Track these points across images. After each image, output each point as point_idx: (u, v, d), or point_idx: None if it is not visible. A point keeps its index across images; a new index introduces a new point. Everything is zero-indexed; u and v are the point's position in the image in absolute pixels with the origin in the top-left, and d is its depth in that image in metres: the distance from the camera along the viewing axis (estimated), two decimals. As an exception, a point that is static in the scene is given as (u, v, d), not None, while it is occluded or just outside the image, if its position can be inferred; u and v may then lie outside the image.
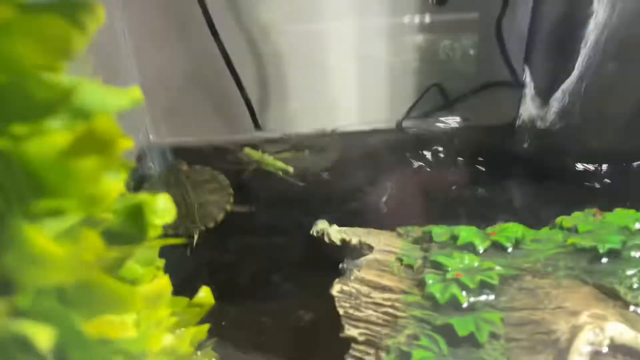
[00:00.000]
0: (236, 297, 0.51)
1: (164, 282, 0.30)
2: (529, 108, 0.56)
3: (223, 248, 0.57)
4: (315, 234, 0.52)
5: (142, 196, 0.26)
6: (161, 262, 0.32)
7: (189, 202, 0.61)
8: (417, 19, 0.81)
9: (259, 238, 0.59)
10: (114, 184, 0.24)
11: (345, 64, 0.85)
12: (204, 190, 0.64)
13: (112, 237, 0.27)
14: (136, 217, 0.26)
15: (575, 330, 0.32)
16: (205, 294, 0.33)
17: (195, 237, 0.56)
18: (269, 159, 0.75)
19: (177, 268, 0.33)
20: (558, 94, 0.51)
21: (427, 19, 0.81)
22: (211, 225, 0.59)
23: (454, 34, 0.82)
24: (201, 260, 0.55)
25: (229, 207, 0.61)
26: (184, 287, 0.32)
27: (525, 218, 0.45)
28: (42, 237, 0.16)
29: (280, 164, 0.75)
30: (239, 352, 0.44)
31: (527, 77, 0.56)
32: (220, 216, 0.60)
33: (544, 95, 0.53)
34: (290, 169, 0.73)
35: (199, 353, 0.34)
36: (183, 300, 0.33)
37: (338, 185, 0.69)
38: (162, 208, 0.26)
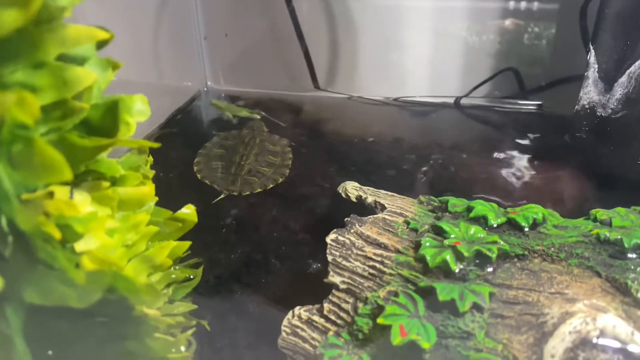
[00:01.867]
0: (249, 242, 0.51)
1: (147, 190, 0.31)
2: (590, 92, 0.51)
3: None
4: (340, 191, 0.51)
5: (121, 95, 0.27)
6: (151, 173, 0.33)
7: (241, 165, 0.62)
8: (500, 4, 0.78)
9: (289, 195, 0.59)
10: (87, 72, 0.25)
11: (420, 38, 0.83)
12: (264, 159, 0.64)
13: (90, 130, 0.27)
14: (111, 112, 0.26)
15: (565, 317, 0.29)
16: (189, 211, 0.33)
17: (221, 197, 0.57)
18: (232, 107, 0.79)
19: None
20: (623, 79, 0.46)
21: (511, 4, 0.78)
22: (246, 193, 0.58)
23: (536, 20, 0.78)
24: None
25: (270, 185, 0.60)
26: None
27: (566, 213, 0.41)
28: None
29: (244, 112, 0.79)
30: (242, 287, 0.45)
31: (592, 58, 0.51)
32: (258, 190, 0.59)
33: (608, 79, 0.48)
34: (257, 116, 0.76)
35: (177, 268, 0.35)
36: (166, 212, 0.33)
37: (381, 151, 0.68)
38: (137, 109, 0.26)
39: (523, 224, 0.38)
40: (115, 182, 0.30)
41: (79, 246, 0.24)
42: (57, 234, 0.20)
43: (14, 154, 0.20)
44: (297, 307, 0.36)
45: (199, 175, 0.61)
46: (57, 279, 0.22)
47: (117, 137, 0.26)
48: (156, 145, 0.27)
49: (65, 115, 0.25)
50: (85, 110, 0.25)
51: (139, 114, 0.26)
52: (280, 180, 0.61)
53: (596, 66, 0.51)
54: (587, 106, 0.53)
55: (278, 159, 0.65)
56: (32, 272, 0.22)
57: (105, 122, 0.26)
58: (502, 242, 0.35)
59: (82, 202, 0.25)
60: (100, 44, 0.26)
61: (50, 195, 0.22)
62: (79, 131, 0.26)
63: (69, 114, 0.25)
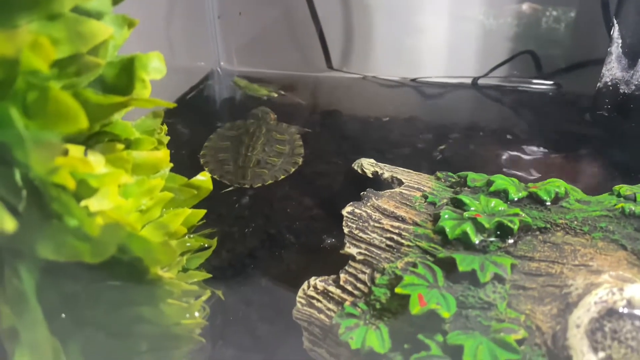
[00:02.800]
0: (267, 216, 0.51)
1: (161, 155, 0.30)
2: (613, 69, 0.50)
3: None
4: (355, 167, 0.51)
5: (137, 54, 0.26)
6: (166, 139, 0.33)
7: (248, 156, 0.60)
8: None
9: (304, 172, 0.58)
10: (103, 27, 0.24)
11: (437, 21, 0.82)
12: (272, 150, 0.62)
13: (105, 88, 0.27)
14: (127, 70, 0.25)
15: (590, 288, 0.29)
16: (204, 178, 0.33)
17: (228, 189, 0.55)
18: (253, 86, 0.78)
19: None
20: (649, 55, 0.45)
21: None
22: (257, 185, 0.57)
23: (554, 4, 0.77)
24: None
25: (282, 176, 0.59)
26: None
27: (588, 191, 0.40)
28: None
29: (264, 91, 0.79)
30: (256, 261, 0.44)
31: (615, 33, 0.49)
32: (269, 182, 0.58)
33: (633, 55, 0.47)
34: (275, 94, 0.75)
35: (191, 236, 0.34)
36: (181, 178, 0.32)
37: (397, 130, 0.67)
38: (153, 66, 0.25)
39: (545, 198, 0.37)
40: (129, 145, 0.29)
41: (93, 205, 0.24)
42: (71, 183, 0.20)
43: (29, 103, 0.19)
44: (313, 278, 0.36)
45: (206, 169, 0.59)
46: (71, 234, 0.21)
47: (132, 96, 0.25)
48: (172, 105, 0.26)
49: (80, 70, 0.24)
50: (101, 67, 0.25)
51: (155, 72, 0.25)
52: (292, 170, 0.59)
53: (620, 41, 0.49)
54: (609, 83, 0.51)
55: (287, 147, 0.63)
56: (46, 226, 0.21)
57: (121, 80, 0.26)
58: (523, 215, 0.34)
59: (96, 162, 0.24)
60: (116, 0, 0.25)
61: (65, 152, 0.22)
62: (94, 89, 0.26)
63: (84, 70, 0.24)
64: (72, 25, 0.23)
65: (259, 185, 0.56)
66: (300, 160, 0.61)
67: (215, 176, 0.57)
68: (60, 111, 0.19)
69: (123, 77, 0.26)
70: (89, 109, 0.24)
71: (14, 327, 0.23)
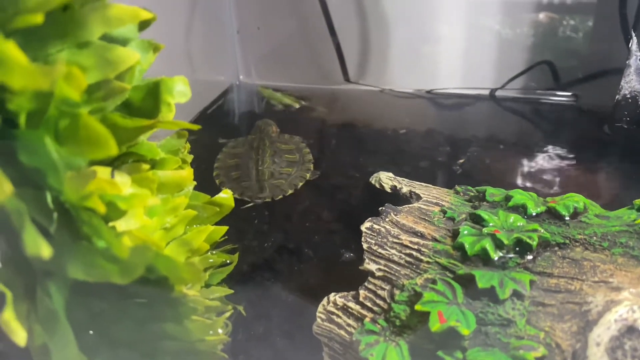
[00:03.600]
0: (285, 229, 0.51)
1: (185, 174, 0.31)
2: (632, 81, 0.50)
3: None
4: (373, 181, 0.51)
5: (163, 78, 0.27)
6: (190, 157, 0.33)
7: (260, 170, 0.60)
8: None
9: (322, 186, 0.59)
10: (130, 53, 0.25)
11: (453, 32, 0.83)
12: (282, 160, 0.62)
13: (132, 111, 0.28)
14: (153, 93, 0.26)
15: (610, 305, 0.28)
16: (226, 196, 0.33)
17: (249, 205, 0.55)
18: (277, 95, 0.78)
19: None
20: (668, 67, 0.45)
21: None
22: (279, 197, 0.56)
23: (572, 13, 0.77)
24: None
25: (300, 184, 0.59)
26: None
27: (606, 204, 0.40)
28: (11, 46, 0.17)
29: (287, 100, 0.80)
30: (275, 275, 0.45)
31: (634, 46, 0.49)
32: (290, 192, 0.57)
33: (652, 67, 0.47)
34: (297, 105, 0.75)
35: (214, 252, 0.35)
36: (204, 196, 0.33)
37: (414, 142, 0.67)
38: (178, 89, 0.26)
39: (563, 213, 0.37)
40: (154, 165, 0.30)
41: (121, 226, 0.24)
42: (101, 208, 0.21)
43: (61, 130, 0.20)
44: (332, 294, 0.36)
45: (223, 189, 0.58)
46: (100, 255, 0.22)
47: (158, 119, 0.26)
48: (196, 127, 0.27)
49: (107, 95, 0.25)
50: (127, 91, 0.26)
51: (180, 95, 0.26)
52: (308, 176, 0.60)
53: (639, 54, 0.49)
54: (628, 95, 0.51)
55: (297, 155, 0.63)
56: (76, 248, 0.22)
57: (147, 103, 0.27)
58: (542, 230, 0.34)
59: (123, 183, 0.25)
60: (142, 26, 0.26)
61: (93, 174, 0.23)
62: (121, 112, 0.26)
63: (111, 95, 0.25)
64: (101, 52, 0.24)
65: (280, 197, 0.56)
66: (312, 166, 0.61)
67: (235, 195, 0.56)
68: (90, 138, 0.20)
69: (149, 101, 0.27)
70: (116, 132, 0.25)
71: (45, 345, 0.24)
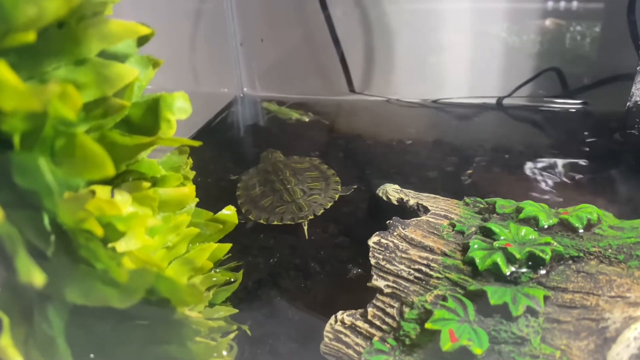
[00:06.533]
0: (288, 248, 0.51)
1: (187, 191, 0.30)
2: (643, 88, 0.49)
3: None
4: (380, 193, 0.50)
5: (162, 94, 0.27)
6: (192, 174, 0.33)
7: (290, 189, 0.58)
8: (540, 4, 0.76)
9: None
10: (128, 69, 0.24)
11: (458, 41, 0.82)
12: (304, 178, 0.61)
13: (131, 128, 0.27)
14: (152, 110, 0.26)
15: (629, 321, 0.27)
16: (230, 212, 0.33)
17: (305, 226, 0.53)
18: (284, 109, 0.78)
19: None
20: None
21: (551, 4, 0.76)
22: (320, 212, 0.55)
23: (579, 19, 0.76)
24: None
25: (337, 196, 0.57)
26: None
27: (620, 214, 0.39)
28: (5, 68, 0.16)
29: (295, 114, 0.79)
30: (281, 292, 0.44)
31: (645, 51, 0.48)
32: (329, 205, 0.56)
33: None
34: (306, 119, 0.75)
35: (217, 270, 0.34)
36: (207, 213, 0.33)
37: (421, 153, 0.67)
38: (178, 106, 0.26)
39: (577, 225, 0.36)
40: (155, 182, 0.29)
41: (120, 246, 0.24)
42: (99, 231, 0.20)
43: (56, 150, 0.20)
44: (340, 312, 0.35)
45: (262, 221, 0.55)
46: (99, 279, 0.21)
47: (158, 136, 0.26)
48: (197, 143, 0.26)
49: (106, 113, 0.24)
50: (126, 108, 0.25)
51: (180, 112, 0.26)
52: (340, 189, 0.58)
53: (650, 60, 0.48)
54: (639, 102, 0.50)
55: (316, 172, 0.62)
56: (74, 271, 0.21)
57: (146, 120, 0.26)
58: (555, 244, 0.33)
59: (123, 202, 0.24)
60: (141, 41, 0.26)
61: (92, 194, 0.22)
62: (120, 130, 0.26)
63: (110, 112, 0.25)
64: (99, 69, 0.23)
65: (322, 211, 0.55)
66: (338, 179, 0.60)
67: (275, 222, 0.54)
68: (87, 158, 0.19)
69: (149, 117, 0.26)
70: (115, 150, 0.25)
71: (43, 371, 0.23)
